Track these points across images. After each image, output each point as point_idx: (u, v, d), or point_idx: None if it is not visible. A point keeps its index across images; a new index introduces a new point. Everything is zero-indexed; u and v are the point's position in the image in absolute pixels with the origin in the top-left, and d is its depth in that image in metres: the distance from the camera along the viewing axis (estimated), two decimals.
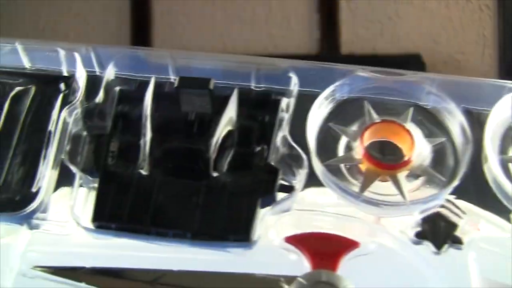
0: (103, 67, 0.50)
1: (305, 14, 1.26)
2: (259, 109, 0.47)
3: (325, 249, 0.43)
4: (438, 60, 1.21)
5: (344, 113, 0.48)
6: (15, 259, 0.44)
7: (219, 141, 0.46)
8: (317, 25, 1.22)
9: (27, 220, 0.45)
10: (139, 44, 1.18)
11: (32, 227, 0.45)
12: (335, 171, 0.46)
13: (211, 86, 0.46)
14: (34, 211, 0.45)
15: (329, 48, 1.25)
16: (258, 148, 0.46)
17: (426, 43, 1.21)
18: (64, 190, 0.46)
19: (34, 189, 0.45)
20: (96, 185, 0.46)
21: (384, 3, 1.22)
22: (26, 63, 0.51)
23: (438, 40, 1.20)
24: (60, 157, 0.47)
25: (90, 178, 0.46)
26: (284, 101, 0.47)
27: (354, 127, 0.47)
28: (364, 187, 0.45)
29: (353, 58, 1.32)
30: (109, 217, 0.45)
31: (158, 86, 0.48)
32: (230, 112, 0.46)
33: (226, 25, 1.29)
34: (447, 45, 1.20)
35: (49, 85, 0.50)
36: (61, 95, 0.49)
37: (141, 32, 1.37)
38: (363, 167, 0.46)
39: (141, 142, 0.46)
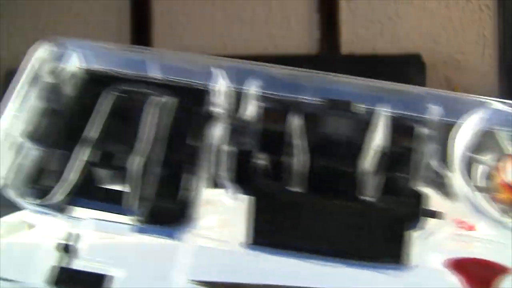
0: (238, 82, 0.51)
1: (305, 14, 1.27)
2: (400, 134, 0.48)
3: (481, 274, 0.45)
4: (438, 60, 1.24)
5: (479, 143, 0.50)
6: (177, 273, 0.44)
7: (366, 164, 0.47)
8: (317, 25, 1.24)
9: (180, 233, 0.45)
10: (139, 44, 1.17)
11: (186, 241, 0.45)
12: None
13: (356, 109, 0.47)
14: (186, 225, 0.45)
15: (329, 48, 1.26)
16: (403, 174, 0.47)
17: (426, 43, 1.25)
18: (212, 204, 0.47)
19: (182, 202, 0.46)
20: (243, 201, 0.46)
21: (384, 3, 1.25)
22: (157, 73, 0.51)
23: (438, 40, 1.23)
24: (206, 172, 0.47)
25: (238, 194, 0.46)
26: (423, 129, 0.48)
27: (489, 157, 0.49)
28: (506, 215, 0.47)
29: (353, 58, 1.34)
30: (261, 234, 0.45)
31: (299, 105, 0.49)
32: (377, 136, 0.47)
33: (226, 25, 1.29)
34: (447, 45, 1.24)
35: (188, 97, 0.50)
36: (202, 108, 0.50)
37: (141, 32, 1.36)
38: (501, 195, 0.48)
39: (289, 160, 0.46)
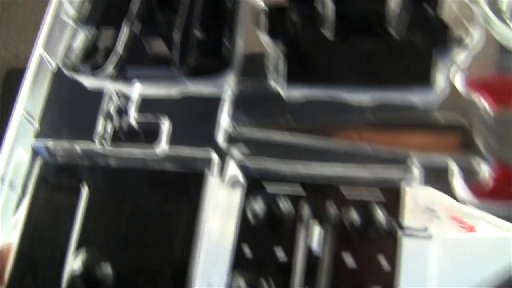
0: None
1: None
2: None
3: (502, 90, 0.49)
4: None
5: None
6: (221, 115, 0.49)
7: (393, 3, 0.50)
8: None
9: (222, 82, 0.50)
10: None
11: (227, 87, 0.50)
12: None
13: None
14: (227, 75, 0.50)
15: None
16: (429, 7, 0.50)
17: None
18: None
19: (223, 57, 0.50)
20: (280, 51, 0.50)
21: None
22: None
23: None
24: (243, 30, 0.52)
25: (273, 44, 0.51)
26: None
27: None
28: None
29: None
30: (296, 73, 0.50)
31: None
32: None
33: None
34: None
35: None
36: None
37: None
38: None
39: (319, 9, 0.50)
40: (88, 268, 0.44)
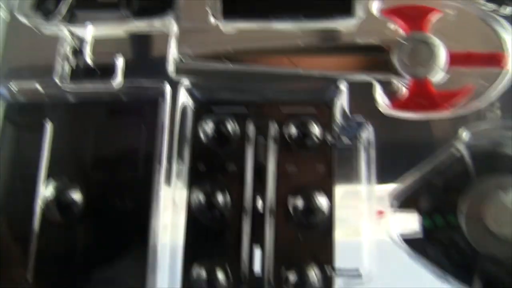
0: None
1: None
2: None
3: (414, 14, 0.56)
4: None
5: None
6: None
7: None
8: None
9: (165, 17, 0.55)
10: None
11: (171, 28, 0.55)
12: None
13: None
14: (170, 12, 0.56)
15: None
16: None
17: None
18: None
19: None
20: None
21: None
22: None
23: None
24: None
25: None
26: None
27: None
28: None
29: None
30: (236, 12, 0.56)
31: None
32: None
33: None
34: None
35: None
36: None
37: None
38: None
39: None
40: (59, 194, 0.49)
